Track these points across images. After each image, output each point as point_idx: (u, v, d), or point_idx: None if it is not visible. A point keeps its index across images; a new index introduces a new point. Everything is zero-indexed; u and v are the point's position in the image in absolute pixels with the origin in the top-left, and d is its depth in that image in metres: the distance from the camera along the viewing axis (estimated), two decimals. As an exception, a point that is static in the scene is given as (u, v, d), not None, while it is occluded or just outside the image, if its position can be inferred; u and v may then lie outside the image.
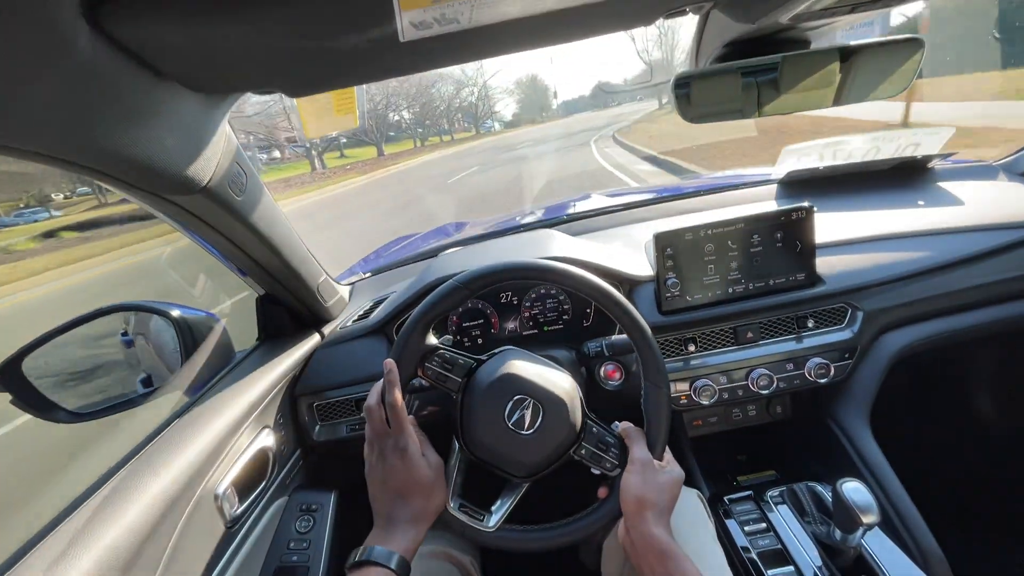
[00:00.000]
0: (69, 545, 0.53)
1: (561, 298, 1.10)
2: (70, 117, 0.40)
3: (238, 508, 0.78)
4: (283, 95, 0.54)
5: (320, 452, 1.03)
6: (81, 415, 0.84)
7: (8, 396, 0.78)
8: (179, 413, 0.80)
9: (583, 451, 0.70)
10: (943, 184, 1.22)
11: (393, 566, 0.58)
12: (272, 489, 0.89)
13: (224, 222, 0.71)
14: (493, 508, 0.70)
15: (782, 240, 0.98)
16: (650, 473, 0.66)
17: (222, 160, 0.62)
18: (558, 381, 0.72)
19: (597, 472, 0.71)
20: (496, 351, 0.76)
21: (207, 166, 0.59)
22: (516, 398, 0.69)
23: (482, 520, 0.68)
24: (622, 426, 0.73)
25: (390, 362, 0.69)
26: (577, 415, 0.71)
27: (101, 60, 0.37)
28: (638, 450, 0.68)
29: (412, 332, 0.71)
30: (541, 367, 0.74)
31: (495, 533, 0.68)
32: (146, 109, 0.45)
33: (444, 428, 0.74)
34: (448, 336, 0.96)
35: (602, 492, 0.71)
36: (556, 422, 0.69)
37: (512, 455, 0.68)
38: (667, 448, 0.73)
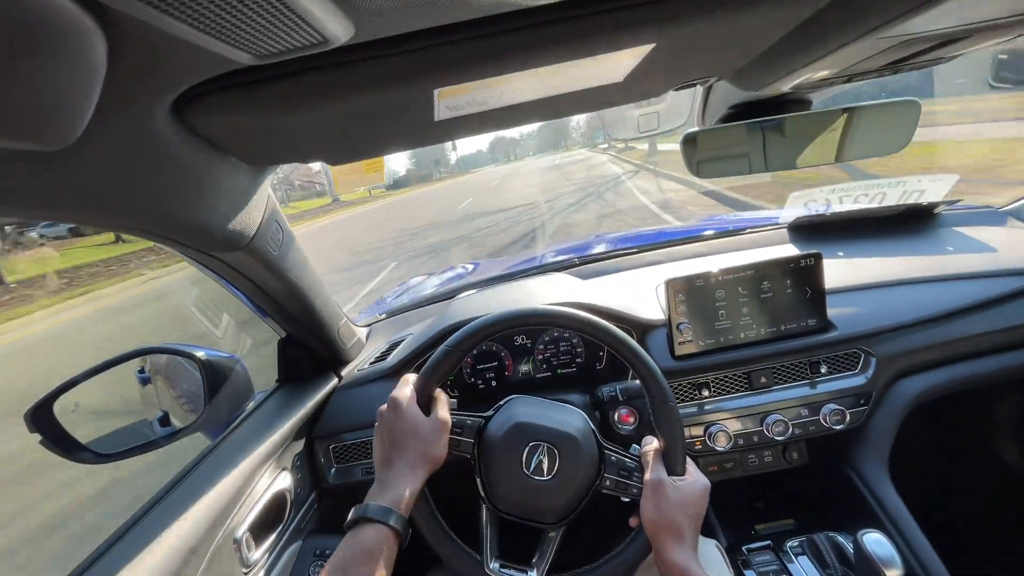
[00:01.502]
0: None
1: (574, 341, 1.11)
2: (148, 195, 0.44)
3: (255, 553, 0.79)
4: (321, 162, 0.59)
5: (335, 495, 1.03)
6: (107, 456, 0.85)
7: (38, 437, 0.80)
8: (203, 456, 0.82)
9: (607, 483, 0.70)
10: (950, 230, 1.24)
11: (392, 522, 0.58)
12: (288, 533, 0.89)
13: (260, 274, 0.75)
14: (534, 561, 0.69)
15: (792, 286, 1.00)
16: (663, 494, 0.65)
17: (264, 220, 0.66)
18: (567, 419, 0.73)
19: (627, 500, 0.70)
20: (501, 403, 0.77)
21: (251, 226, 0.63)
22: (530, 445, 0.70)
23: (525, 575, 0.68)
24: (642, 450, 0.73)
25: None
26: (593, 448, 0.71)
27: (178, 146, 0.42)
28: (649, 472, 0.68)
29: None
30: (548, 409, 0.75)
31: None
32: (206, 182, 0.49)
33: (471, 486, 0.75)
34: (454, 400, 0.98)
35: (633, 521, 0.70)
36: (574, 460, 0.69)
37: (539, 504, 0.69)
38: (689, 460, 0.72)
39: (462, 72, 0.40)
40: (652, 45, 0.41)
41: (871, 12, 0.44)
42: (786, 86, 0.63)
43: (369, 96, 0.41)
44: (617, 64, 0.44)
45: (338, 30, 0.29)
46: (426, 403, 0.71)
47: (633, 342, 0.73)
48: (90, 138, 0.31)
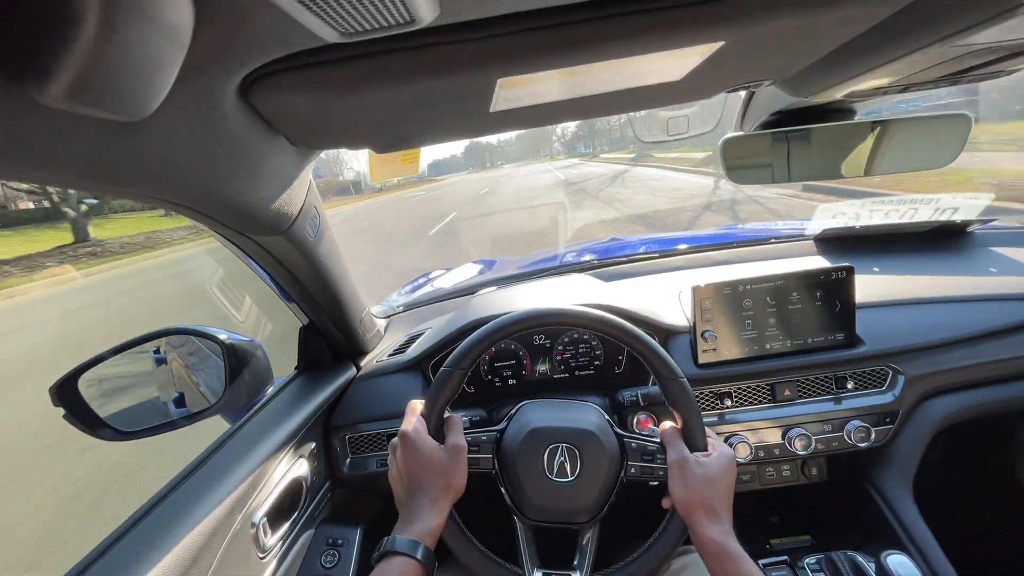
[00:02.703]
0: (118, 572, 0.54)
1: (594, 343, 1.10)
2: (203, 172, 0.44)
3: (271, 538, 0.79)
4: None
5: (348, 485, 1.03)
6: (127, 434, 0.86)
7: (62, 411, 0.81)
8: (224, 439, 0.82)
9: (632, 470, 0.69)
10: (984, 249, 1.21)
11: (419, 556, 0.58)
12: (302, 521, 0.89)
13: (294, 260, 0.75)
14: (575, 563, 0.69)
15: (821, 299, 0.98)
16: (689, 472, 0.64)
17: (305, 205, 0.66)
18: (582, 416, 0.73)
19: (655, 484, 0.69)
20: (512, 412, 0.77)
21: (293, 211, 0.63)
22: (549, 449, 0.69)
23: None
24: (660, 429, 0.72)
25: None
26: (612, 440, 0.71)
27: (237, 124, 0.42)
28: (671, 452, 0.67)
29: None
30: (561, 410, 0.75)
31: None
32: (257, 163, 0.49)
33: (497, 500, 0.74)
34: (465, 418, 0.98)
35: (666, 502, 0.69)
36: (596, 455, 0.69)
37: (569, 505, 0.68)
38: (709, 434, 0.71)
39: (529, 62, 0.39)
40: (721, 43, 0.40)
41: (945, 20, 0.42)
42: (839, 94, 0.61)
43: (433, 82, 0.41)
44: (681, 62, 0.43)
45: (425, 10, 0.28)
46: (437, 430, 0.70)
47: (625, 322, 0.71)
48: (163, 111, 0.31)
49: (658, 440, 0.71)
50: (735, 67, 0.49)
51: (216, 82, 0.35)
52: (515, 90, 0.43)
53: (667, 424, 0.72)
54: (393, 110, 0.46)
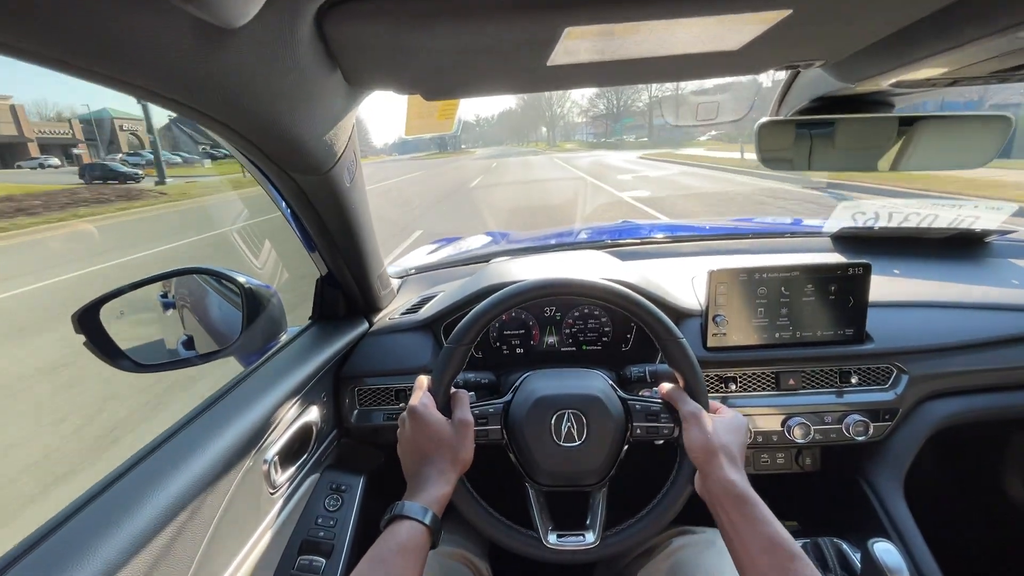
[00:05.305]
0: (138, 489, 0.56)
1: (603, 319, 1.11)
2: (269, 98, 0.44)
3: (281, 476, 0.81)
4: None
5: (354, 435, 1.06)
6: (145, 366, 0.87)
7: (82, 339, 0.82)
8: (240, 379, 0.83)
9: (638, 431, 0.71)
10: (1002, 260, 1.22)
11: (427, 521, 0.59)
12: (309, 464, 0.91)
13: (326, 204, 0.75)
14: (588, 524, 0.71)
15: (835, 294, 0.99)
16: (706, 421, 0.66)
17: (347, 150, 0.66)
18: (586, 383, 0.75)
19: (660, 442, 0.72)
20: (516, 383, 0.79)
21: (336, 152, 0.63)
22: (556, 415, 0.71)
23: (583, 539, 0.69)
24: (661, 390, 0.74)
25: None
26: (617, 403, 0.73)
27: (307, 52, 0.42)
28: (685, 405, 0.68)
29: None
30: (565, 378, 0.77)
31: (602, 544, 0.69)
32: (314, 95, 0.49)
33: (506, 468, 0.76)
34: (472, 392, 1.00)
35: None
36: (602, 419, 0.71)
37: (578, 469, 0.70)
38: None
39: (601, 11, 0.38)
40: (788, 12, 0.40)
41: (1003, 11, 0.42)
42: (886, 83, 0.61)
43: (503, 22, 0.40)
44: (743, 29, 0.43)
45: None
46: (444, 405, 0.71)
47: (627, 290, 0.72)
48: (251, 26, 0.31)
49: (661, 400, 0.72)
50: (792, 42, 0.49)
51: (301, 2, 0.35)
52: (578, 42, 0.43)
53: (667, 385, 0.73)
54: (455, 52, 0.46)
